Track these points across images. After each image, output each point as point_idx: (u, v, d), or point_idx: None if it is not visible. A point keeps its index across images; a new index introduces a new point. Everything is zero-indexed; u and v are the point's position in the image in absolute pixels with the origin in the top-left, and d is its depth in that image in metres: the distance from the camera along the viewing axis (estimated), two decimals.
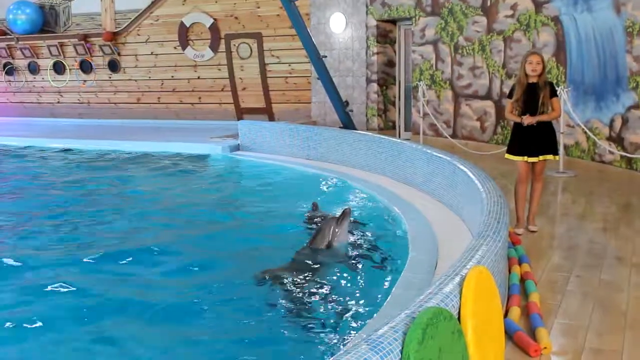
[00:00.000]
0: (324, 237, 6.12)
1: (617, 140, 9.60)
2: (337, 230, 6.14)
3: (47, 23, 19.85)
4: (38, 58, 20.11)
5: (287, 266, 5.76)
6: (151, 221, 7.87)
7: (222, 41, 17.14)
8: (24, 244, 7.01)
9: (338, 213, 6.55)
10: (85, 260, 6.29)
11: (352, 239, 6.48)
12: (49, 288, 5.43)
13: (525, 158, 6.61)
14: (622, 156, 9.46)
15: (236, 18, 17.36)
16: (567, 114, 9.96)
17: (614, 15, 9.54)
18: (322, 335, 4.41)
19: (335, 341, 4.28)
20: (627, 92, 9.37)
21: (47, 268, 6.05)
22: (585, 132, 10.00)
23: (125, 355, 4.31)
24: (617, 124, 9.61)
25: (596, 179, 9.53)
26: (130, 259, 6.30)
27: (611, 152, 9.71)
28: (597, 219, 7.28)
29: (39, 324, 4.72)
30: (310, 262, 5.83)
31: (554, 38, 11.01)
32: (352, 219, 6.71)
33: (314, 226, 7.00)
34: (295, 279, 5.49)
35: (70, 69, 19.75)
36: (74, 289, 5.41)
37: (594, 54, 10.10)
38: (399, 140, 9.99)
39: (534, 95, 6.53)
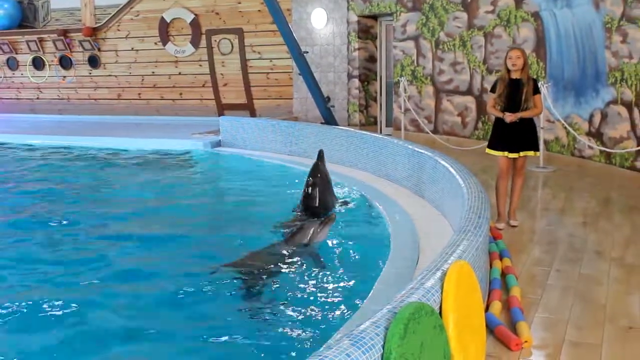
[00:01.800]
0: (304, 236, 6.10)
1: (597, 135, 9.67)
2: (318, 231, 6.14)
3: (25, 18, 19.68)
4: (17, 53, 19.93)
5: (264, 260, 5.74)
6: (131, 217, 7.82)
7: (203, 37, 17.07)
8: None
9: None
10: (60, 255, 6.29)
11: (333, 234, 6.49)
12: (16, 282, 5.45)
13: (506, 154, 6.65)
14: (601, 151, 9.53)
15: (217, 13, 17.30)
16: (547, 109, 10.02)
17: (593, 11, 9.61)
18: (303, 330, 4.41)
19: (317, 337, 4.28)
20: (606, 88, 9.45)
21: (18, 260, 6.08)
22: (565, 128, 10.07)
23: (86, 350, 4.28)
24: (597, 119, 9.68)
25: (576, 174, 9.60)
26: (106, 255, 6.26)
27: (590, 147, 9.79)
28: (577, 214, 7.34)
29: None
30: (289, 258, 5.82)
31: (534, 34, 11.07)
32: (334, 214, 6.72)
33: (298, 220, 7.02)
34: (274, 275, 5.49)
35: (49, 65, 19.59)
36: (45, 284, 5.41)
37: (574, 50, 10.18)
38: (380, 136, 10.00)
39: (517, 90, 6.55)
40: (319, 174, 7.75)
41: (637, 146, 8.79)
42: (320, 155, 8.08)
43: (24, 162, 12.18)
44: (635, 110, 8.91)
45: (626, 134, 9.11)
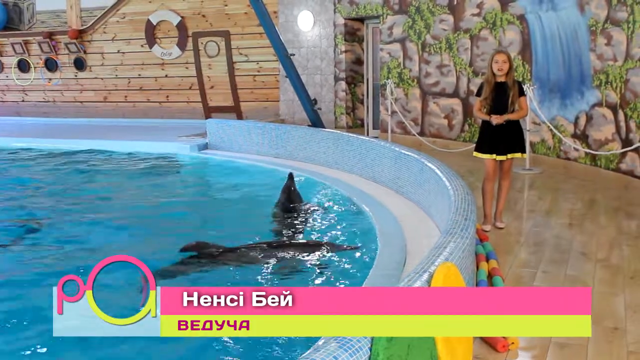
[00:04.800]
0: (329, 249, 6.16)
1: (582, 137, 9.73)
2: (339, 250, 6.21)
3: (10, 20, 19.52)
4: (2, 56, 19.78)
5: (250, 259, 5.76)
6: (117, 219, 7.80)
7: (190, 39, 17.05)
8: None
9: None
10: (34, 256, 6.26)
11: (320, 236, 6.51)
12: None
13: (494, 156, 6.66)
14: (586, 153, 9.59)
15: (204, 16, 17.26)
16: (533, 111, 10.07)
17: (578, 14, 9.67)
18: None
19: (304, 339, 4.27)
20: (591, 90, 9.50)
21: None
22: (551, 130, 10.12)
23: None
24: (582, 121, 9.74)
25: (562, 176, 9.66)
26: (91, 255, 6.25)
27: (576, 149, 9.84)
28: (562, 215, 7.38)
29: None
30: (283, 256, 5.84)
31: (520, 36, 11.12)
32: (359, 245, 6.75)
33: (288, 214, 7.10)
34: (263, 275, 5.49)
35: (35, 67, 19.48)
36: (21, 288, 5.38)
37: (559, 52, 10.23)
38: (367, 138, 10.01)
39: (502, 93, 6.56)
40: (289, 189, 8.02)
41: (622, 148, 8.85)
42: (291, 177, 8.26)
43: (7, 164, 12.11)
44: (620, 112, 8.97)
45: (611, 136, 9.17)
